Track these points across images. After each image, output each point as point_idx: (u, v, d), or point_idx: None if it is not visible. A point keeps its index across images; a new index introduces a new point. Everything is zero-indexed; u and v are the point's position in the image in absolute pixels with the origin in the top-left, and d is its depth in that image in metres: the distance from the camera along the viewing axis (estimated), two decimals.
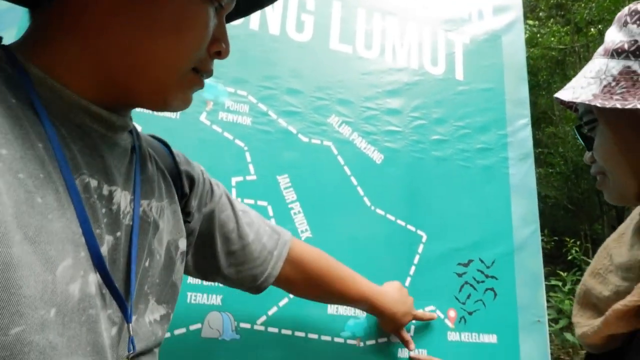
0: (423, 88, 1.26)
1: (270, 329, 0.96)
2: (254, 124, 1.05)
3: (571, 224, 7.35)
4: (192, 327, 0.90)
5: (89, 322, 0.42)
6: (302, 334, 0.99)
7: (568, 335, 4.30)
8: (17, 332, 0.34)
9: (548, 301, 4.74)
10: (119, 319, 0.47)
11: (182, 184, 0.65)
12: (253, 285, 0.78)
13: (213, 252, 0.72)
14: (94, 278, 0.43)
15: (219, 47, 0.51)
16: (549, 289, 4.98)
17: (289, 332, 0.97)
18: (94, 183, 0.45)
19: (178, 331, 0.88)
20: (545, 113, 7.69)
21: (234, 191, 0.99)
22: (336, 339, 1.02)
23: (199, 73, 0.51)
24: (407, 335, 1.03)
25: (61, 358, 0.38)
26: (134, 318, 0.50)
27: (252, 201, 1.00)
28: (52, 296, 0.37)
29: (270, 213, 1.01)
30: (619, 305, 0.53)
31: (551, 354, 4.67)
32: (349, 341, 1.03)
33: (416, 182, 1.17)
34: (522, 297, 1.22)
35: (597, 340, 0.58)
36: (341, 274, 0.91)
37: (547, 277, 5.16)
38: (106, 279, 0.44)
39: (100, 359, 0.43)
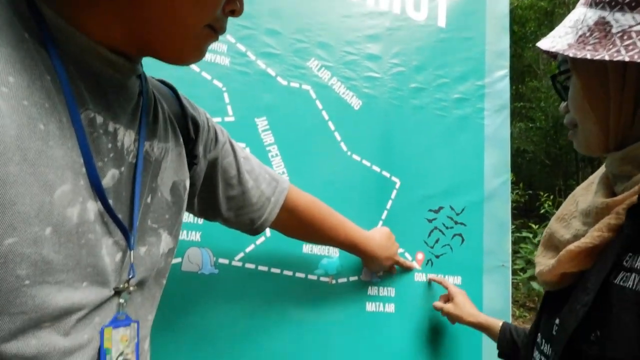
0: (404, 34, 1.25)
1: (248, 265, 1.00)
2: (233, 64, 1.04)
3: (547, 179, 7.53)
4: (173, 261, 0.93)
5: (89, 245, 0.45)
6: (277, 271, 1.03)
7: (534, 284, 4.54)
8: (10, 242, 0.37)
9: (518, 252, 4.95)
10: (123, 246, 0.50)
11: (188, 128, 0.67)
12: (250, 228, 0.84)
13: (215, 196, 0.77)
14: (93, 206, 0.45)
15: (233, 6, 0.52)
16: (520, 240, 5.19)
17: (265, 268, 1.02)
18: (99, 119, 0.47)
19: None
20: (530, 66, 7.68)
21: None
22: (310, 276, 1.07)
23: (213, 29, 0.52)
24: (394, 269, 1.14)
25: (56, 273, 0.41)
26: (144, 249, 0.54)
27: None
28: (48, 216, 0.40)
29: None
30: (572, 246, 0.56)
31: (517, 301, 4.92)
32: (322, 278, 1.08)
33: (393, 130, 1.20)
34: (488, 243, 1.29)
35: (552, 277, 0.61)
36: (333, 222, 0.98)
37: (519, 229, 5.36)
38: (107, 208, 0.47)
39: (102, 280, 0.47)
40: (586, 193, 0.66)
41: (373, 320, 1.11)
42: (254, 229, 0.84)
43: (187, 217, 0.95)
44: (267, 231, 1.02)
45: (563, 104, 0.65)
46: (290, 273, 1.05)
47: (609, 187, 0.61)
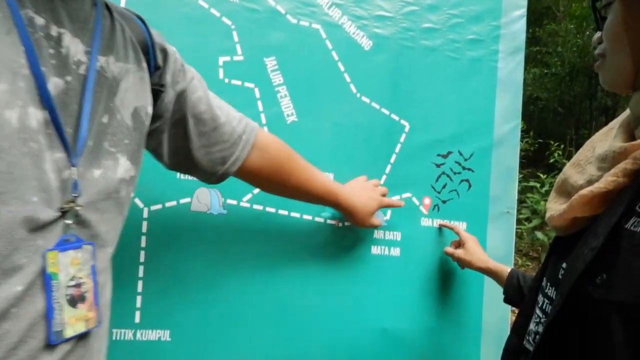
0: None
1: (256, 206, 1.02)
2: (242, 1, 1.01)
3: (558, 128, 7.40)
4: (182, 201, 0.95)
5: (32, 155, 0.43)
6: (285, 212, 1.05)
7: (539, 234, 4.58)
8: None
9: (524, 201, 4.95)
10: (68, 163, 0.48)
11: (155, 55, 0.65)
12: (221, 168, 0.79)
13: (185, 134, 0.73)
14: (35, 113, 0.43)
15: None
16: (527, 189, 5.17)
17: (272, 209, 1.04)
18: (39, 20, 0.44)
19: (169, 203, 0.94)
20: (549, 8, 7.32)
21: (221, 71, 0.99)
22: (317, 219, 1.09)
23: None
24: (377, 221, 1.09)
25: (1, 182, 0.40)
26: (99, 172, 0.52)
27: (239, 82, 1.00)
28: None
29: (257, 95, 1.02)
30: (585, 191, 0.55)
31: (520, 250, 4.96)
32: (329, 221, 1.10)
33: (403, 72, 1.17)
34: (495, 189, 1.29)
35: (562, 222, 0.60)
36: (306, 164, 0.94)
37: (527, 179, 5.32)
38: (53, 117, 0.45)
39: (47, 198, 0.45)
40: (605, 139, 0.64)
41: (378, 263, 1.14)
42: (225, 170, 0.79)
43: None
44: None
45: (597, 35, 0.62)
46: (297, 215, 1.07)
47: (629, 131, 0.59)
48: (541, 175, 5.22)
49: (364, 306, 1.11)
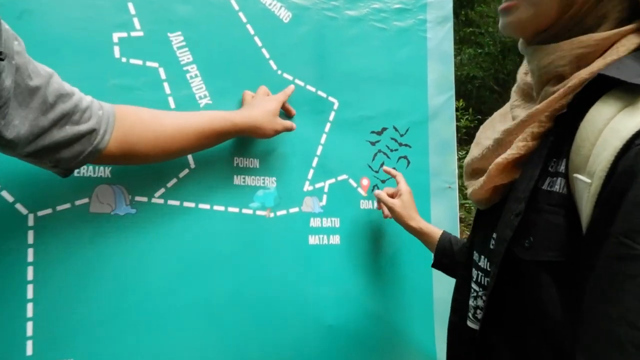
0: None
1: (171, 202, 0.90)
2: None
3: (496, 105, 7.61)
4: (78, 202, 0.81)
5: None
6: (206, 206, 0.94)
7: None
8: None
9: None
10: None
11: None
12: (89, 145, 0.66)
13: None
14: None
15: None
16: None
17: (191, 204, 0.92)
18: None
19: (61, 207, 0.79)
20: None
21: (116, 49, 0.85)
22: (244, 211, 0.98)
23: None
24: (288, 123, 0.96)
25: None
26: None
27: (139, 62, 0.87)
28: None
29: (163, 76, 0.89)
30: (499, 159, 0.57)
31: (469, 224, 5.08)
32: (259, 212, 1.00)
33: (327, 44, 1.08)
34: (434, 164, 1.24)
35: (484, 193, 0.61)
36: (185, 113, 0.83)
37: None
38: None
39: None
40: (504, 119, 0.67)
41: (317, 254, 1.05)
42: (93, 148, 0.67)
43: None
44: (191, 161, 0.91)
45: None
46: (221, 208, 0.95)
47: (529, 100, 0.61)
48: None
49: (305, 302, 1.02)
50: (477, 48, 7.28)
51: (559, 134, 0.52)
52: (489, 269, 0.62)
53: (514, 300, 0.55)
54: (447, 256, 0.98)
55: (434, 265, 1.02)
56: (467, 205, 4.87)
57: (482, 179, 0.60)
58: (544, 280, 0.49)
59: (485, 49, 7.22)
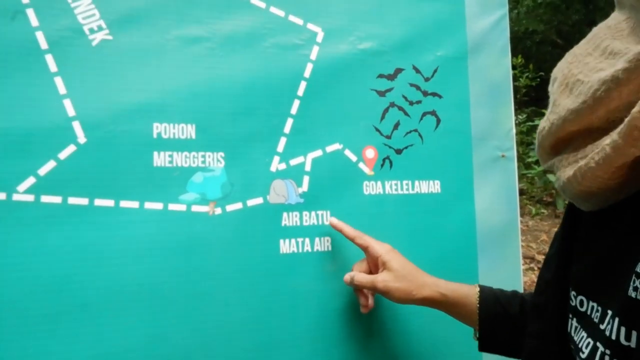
0: None
1: (46, 198, 0.56)
2: None
3: (559, 61, 6.91)
4: None
5: None
6: (108, 203, 0.60)
7: (552, 177, 4.06)
8: None
9: (531, 143, 4.45)
10: None
11: None
12: None
13: None
14: None
15: None
16: (532, 130, 4.65)
17: (83, 201, 0.59)
18: None
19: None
20: None
21: None
22: (172, 207, 0.63)
23: None
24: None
25: None
26: None
27: None
28: None
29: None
30: None
31: (533, 196, 4.46)
32: (196, 208, 0.64)
33: None
34: (478, 123, 0.83)
35: (609, 175, 0.32)
36: None
37: (530, 118, 4.85)
38: None
39: None
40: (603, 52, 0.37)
41: (293, 270, 0.68)
42: None
43: None
44: (79, 131, 0.57)
45: None
46: (134, 205, 0.61)
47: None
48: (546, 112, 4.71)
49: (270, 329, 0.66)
50: None
51: None
52: (623, 339, 0.31)
53: None
54: (502, 327, 0.58)
55: (484, 348, 0.61)
56: (530, 175, 4.28)
57: (607, 143, 0.31)
58: None
59: None
